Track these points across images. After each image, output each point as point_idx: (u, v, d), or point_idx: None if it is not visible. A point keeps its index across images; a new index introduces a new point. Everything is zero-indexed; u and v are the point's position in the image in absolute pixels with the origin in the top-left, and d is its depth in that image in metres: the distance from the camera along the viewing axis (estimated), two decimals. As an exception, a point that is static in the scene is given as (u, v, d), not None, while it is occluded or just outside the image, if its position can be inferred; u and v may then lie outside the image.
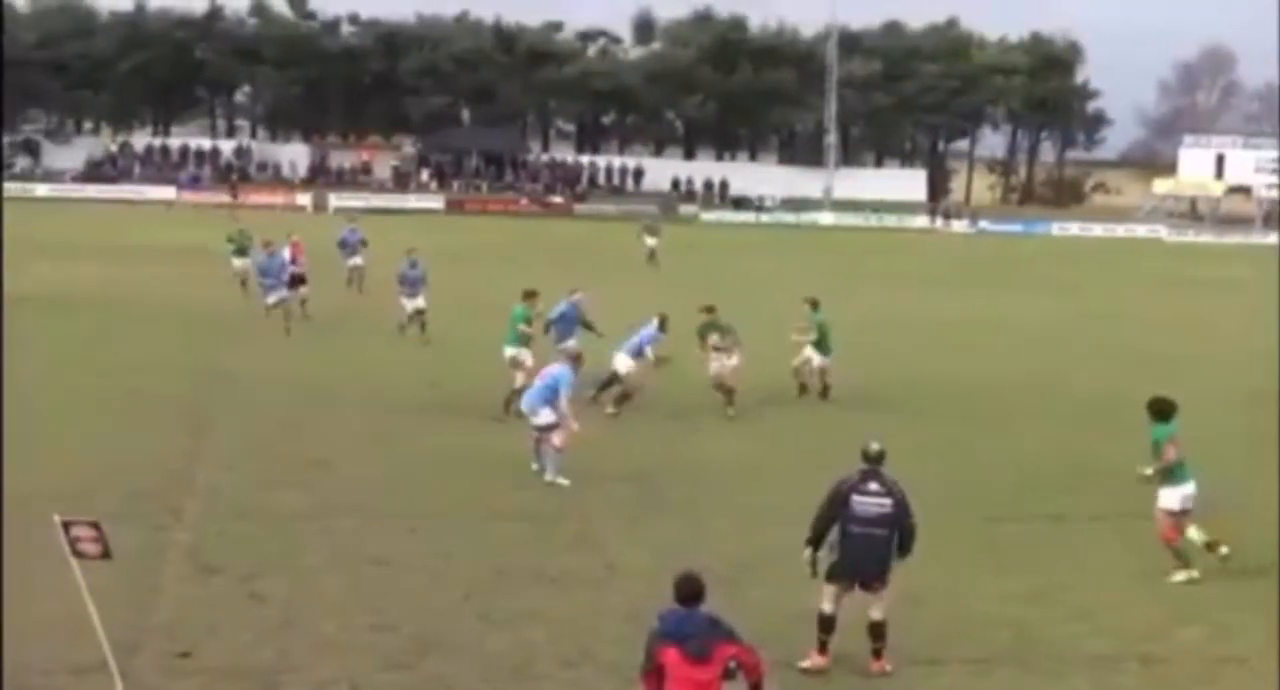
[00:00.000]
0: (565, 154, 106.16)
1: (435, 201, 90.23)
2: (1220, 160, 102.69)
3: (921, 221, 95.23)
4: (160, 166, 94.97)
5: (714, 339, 24.17)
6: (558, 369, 19.18)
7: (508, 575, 14.74)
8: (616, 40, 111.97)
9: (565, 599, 14.11)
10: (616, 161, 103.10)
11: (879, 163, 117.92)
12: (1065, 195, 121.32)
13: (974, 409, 25.68)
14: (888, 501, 12.21)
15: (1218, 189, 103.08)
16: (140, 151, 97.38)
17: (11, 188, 72.45)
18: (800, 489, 14.64)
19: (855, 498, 12.17)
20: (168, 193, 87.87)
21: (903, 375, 28.99)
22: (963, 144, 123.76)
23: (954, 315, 40.54)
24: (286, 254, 34.86)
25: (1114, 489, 16.59)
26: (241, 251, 38.70)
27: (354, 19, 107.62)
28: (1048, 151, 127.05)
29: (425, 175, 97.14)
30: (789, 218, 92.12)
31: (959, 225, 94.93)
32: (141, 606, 13.25)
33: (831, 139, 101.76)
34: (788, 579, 13.23)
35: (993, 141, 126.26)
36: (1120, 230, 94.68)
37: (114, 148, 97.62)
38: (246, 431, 21.52)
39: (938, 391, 27.39)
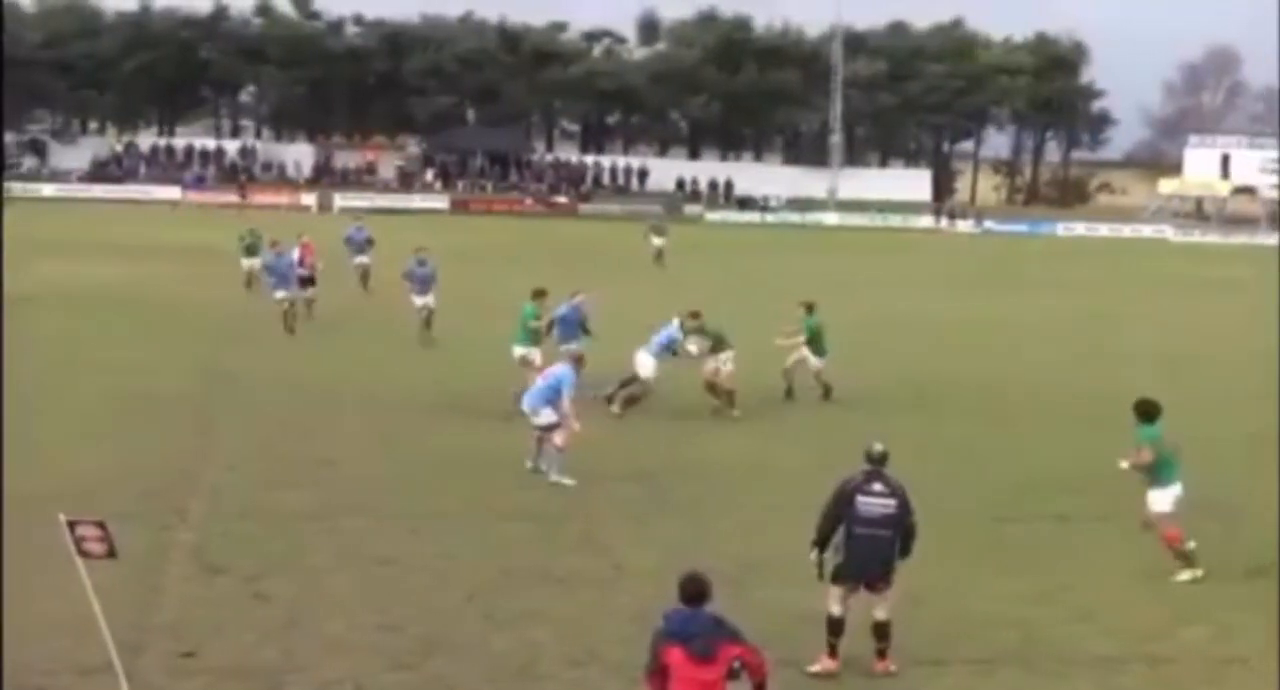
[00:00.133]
0: (570, 154, 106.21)
1: (440, 201, 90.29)
2: (1225, 160, 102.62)
3: (926, 222, 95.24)
4: (165, 166, 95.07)
5: (690, 346, 24.08)
6: (560, 369, 19.27)
7: (513, 575, 14.75)
8: (621, 40, 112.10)
9: (570, 599, 14.11)
10: (621, 161, 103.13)
11: (884, 163, 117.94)
12: (1070, 195, 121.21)
13: (979, 409, 25.66)
14: (892, 502, 12.20)
15: (1223, 189, 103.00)
16: (145, 151, 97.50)
17: (17, 187, 72.51)
18: (805, 489, 14.65)
19: (860, 498, 12.17)
20: (173, 193, 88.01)
21: (907, 375, 28.97)
22: (968, 144, 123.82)
23: (959, 315, 40.52)
24: (295, 254, 34.82)
25: (1119, 489, 16.56)
26: (252, 251, 38.75)
27: (359, 19, 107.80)
28: (1053, 152, 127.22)
29: (430, 175, 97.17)
30: (794, 218, 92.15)
31: (964, 225, 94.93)
32: (146, 606, 13.27)
33: (836, 139, 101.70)
34: (793, 579, 13.23)
35: (997, 142, 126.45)
36: (1126, 230, 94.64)
37: (119, 148, 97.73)
38: (251, 431, 21.54)
39: (942, 391, 27.38)
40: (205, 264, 45.72)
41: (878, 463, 12.35)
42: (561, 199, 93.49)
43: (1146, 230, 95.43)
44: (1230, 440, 23.01)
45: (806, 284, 39.00)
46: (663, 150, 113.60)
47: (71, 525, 10.97)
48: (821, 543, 12.29)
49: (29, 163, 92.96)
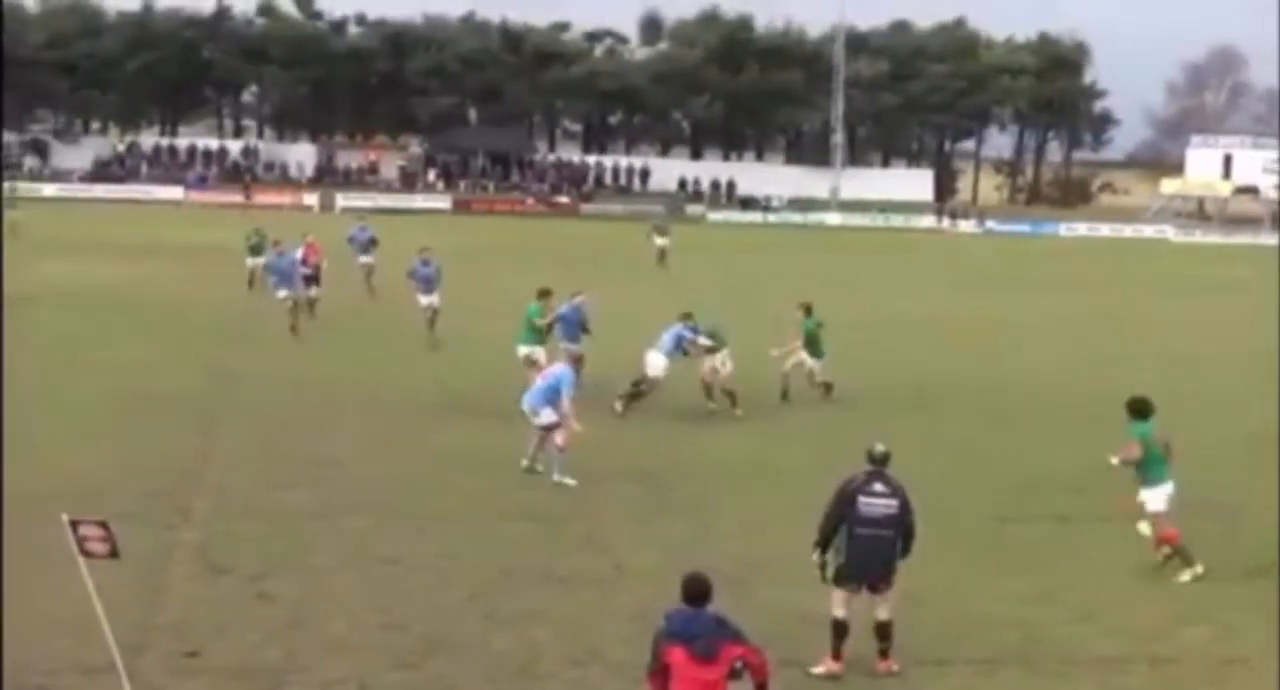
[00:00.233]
0: (572, 154, 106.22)
1: (442, 201, 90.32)
2: (1228, 160, 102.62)
3: (928, 222, 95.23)
4: (168, 166, 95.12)
5: (701, 340, 24.04)
6: (559, 369, 19.33)
7: (515, 575, 14.76)
8: (623, 40, 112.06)
9: (572, 599, 14.13)
10: (623, 161, 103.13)
11: (886, 163, 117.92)
12: (1072, 195, 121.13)
13: (980, 409, 25.67)
14: (894, 502, 12.21)
15: (1225, 189, 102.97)
16: (148, 151, 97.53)
17: (19, 187, 72.50)
18: (807, 489, 14.66)
19: (862, 499, 12.17)
20: (175, 193, 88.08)
21: (909, 375, 28.98)
22: (969, 144, 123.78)
23: (960, 315, 40.53)
24: (298, 254, 34.79)
25: (1121, 490, 16.55)
26: (257, 250, 38.73)
27: (361, 19, 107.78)
28: (1055, 152, 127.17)
29: (432, 175, 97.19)
30: (796, 218, 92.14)
31: (966, 225, 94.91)
32: (149, 606, 13.28)
33: (838, 139, 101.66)
34: (795, 579, 13.24)
35: (1000, 142, 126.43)
36: (1127, 231, 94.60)
37: (121, 148, 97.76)
38: (254, 431, 21.56)
39: (944, 391, 27.39)
40: (208, 264, 45.75)
41: (879, 463, 12.35)
42: (563, 199, 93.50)
43: (1148, 230, 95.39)
44: (1230, 440, 23.04)
45: (808, 284, 39.01)
46: (665, 150, 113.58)
47: (74, 525, 10.98)
48: (823, 543, 12.30)
49: (31, 163, 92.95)
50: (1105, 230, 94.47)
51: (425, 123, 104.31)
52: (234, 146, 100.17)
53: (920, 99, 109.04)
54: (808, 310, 25.73)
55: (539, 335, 24.41)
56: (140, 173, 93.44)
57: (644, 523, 17.15)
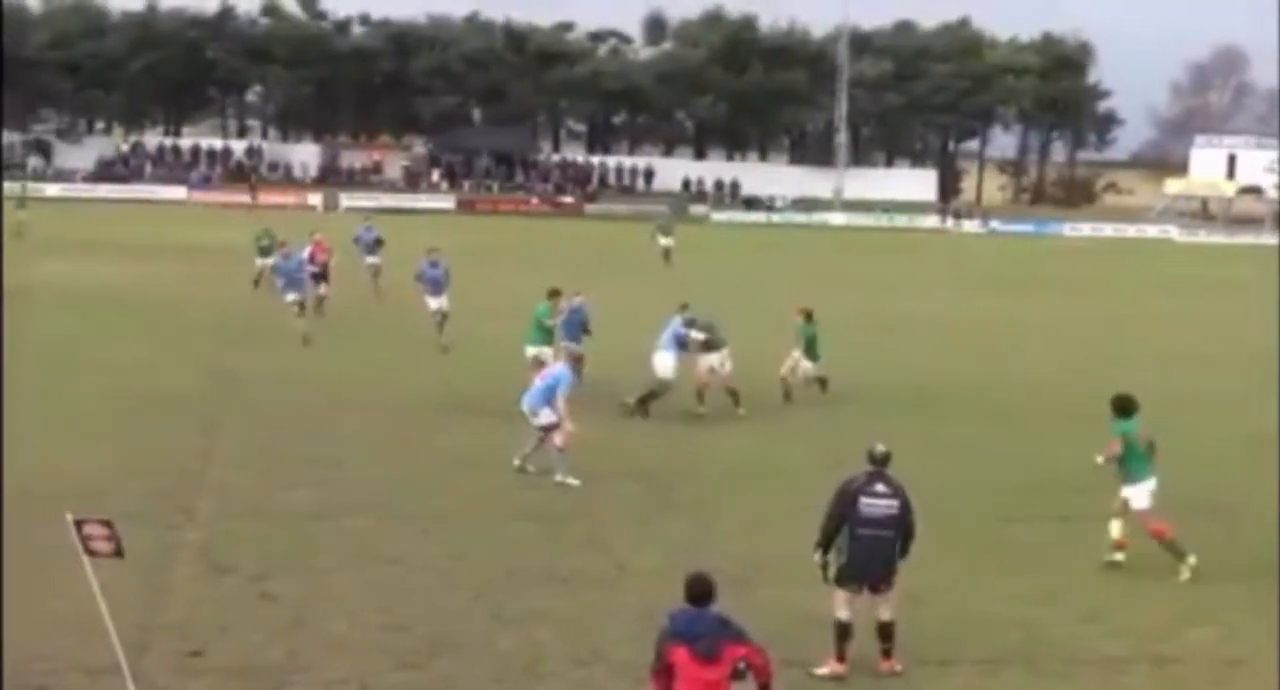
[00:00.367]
0: (576, 154, 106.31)
1: (446, 201, 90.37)
2: (1232, 160, 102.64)
3: (932, 222, 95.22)
4: (171, 166, 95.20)
5: (695, 334, 23.92)
6: (558, 369, 19.39)
7: (518, 575, 14.77)
8: (627, 40, 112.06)
9: (575, 599, 14.13)
10: (627, 161, 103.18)
11: (890, 163, 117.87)
12: (1076, 195, 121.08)
13: (984, 409, 25.67)
14: (895, 502, 12.21)
15: (1229, 189, 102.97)
16: (152, 151, 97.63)
17: (14, 187, 72.51)
18: (809, 489, 14.65)
19: (863, 499, 12.17)
20: (179, 193, 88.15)
21: (912, 375, 28.98)
22: (973, 144, 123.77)
23: (964, 315, 40.52)
24: (305, 254, 34.66)
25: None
26: (266, 252, 38.49)
27: (365, 19, 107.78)
28: (1059, 152, 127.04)
29: (436, 175, 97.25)
30: (800, 218, 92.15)
31: (970, 225, 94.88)
32: (153, 605, 13.29)
33: (842, 139, 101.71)
34: (797, 579, 13.24)
35: (1004, 141, 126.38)
36: (1131, 231, 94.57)
37: (125, 148, 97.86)
38: (258, 431, 21.57)
39: (948, 391, 27.38)
40: (212, 264, 45.80)
41: (880, 463, 12.35)
42: (567, 199, 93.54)
43: (1152, 230, 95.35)
44: (1231, 440, 23.07)
45: (812, 284, 39.03)
46: (668, 150, 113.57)
47: (78, 524, 10.99)
48: (825, 544, 12.30)
49: (34, 163, 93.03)
50: (1109, 230, 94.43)
51: (429, 123, 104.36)
52: (238, 147, 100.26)
53: (924, 99, 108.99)
54: (808, 316, 25.71)
55: (548, 336, 24.37)
56: (144, 173, 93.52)
57: (646, 522, 17.16)
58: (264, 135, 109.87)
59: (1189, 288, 53.90)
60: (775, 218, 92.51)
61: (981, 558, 15.97)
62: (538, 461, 19.05)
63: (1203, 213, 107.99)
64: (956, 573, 15.12)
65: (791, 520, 15.23)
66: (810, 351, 25.55)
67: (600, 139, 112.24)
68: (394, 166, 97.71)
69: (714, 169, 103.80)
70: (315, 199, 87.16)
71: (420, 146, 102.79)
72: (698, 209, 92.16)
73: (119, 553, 11.00)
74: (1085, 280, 55.51)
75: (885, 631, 12.36)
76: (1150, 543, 15.63)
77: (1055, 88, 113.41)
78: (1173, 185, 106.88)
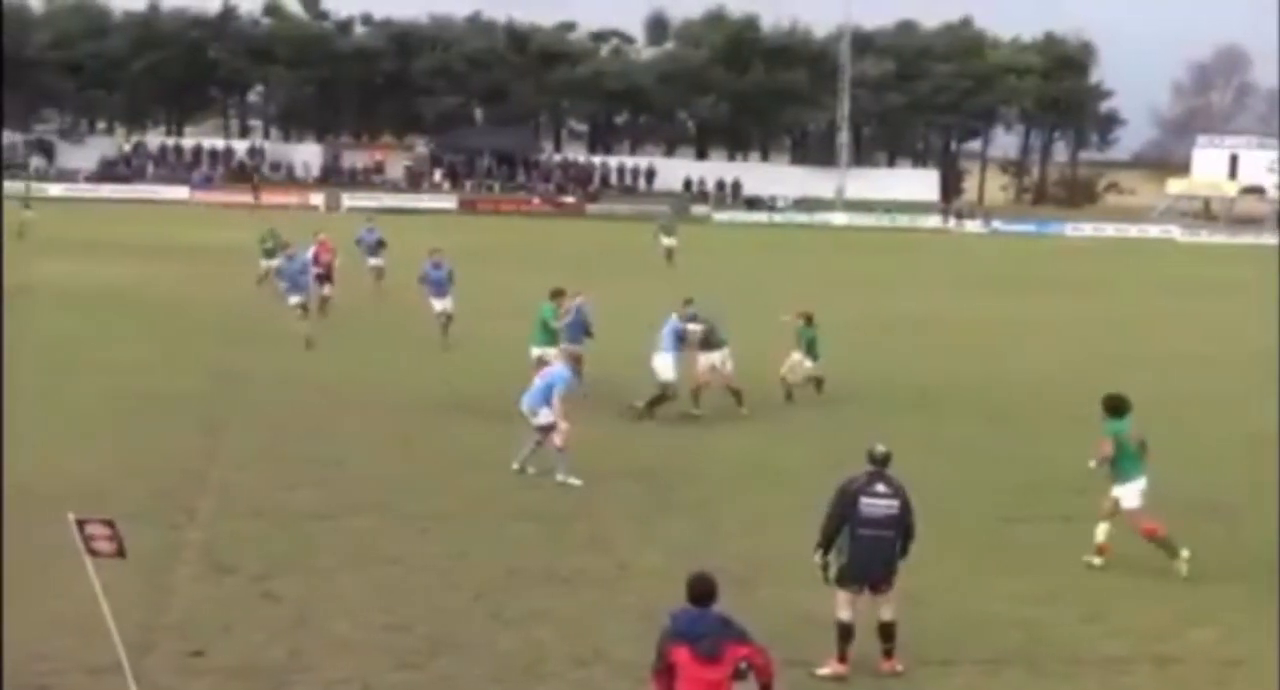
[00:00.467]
0: (577, 154, 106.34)
1: (448, 201, 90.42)
2: (1234, 160, 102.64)
3: (934, 222, 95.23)
4: (173, 166, 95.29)
5: (692, 326, 23.80)
6: (557, 369, 19.40)
7: (519, 575, 14.78)
8: (629, 40, 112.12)
9: (577, 598, 14.14)
10: (629, 162, 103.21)
11: (891, 163, 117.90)
12: (1078, 196, 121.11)
13: (986, 409, 25.67)
14: (895, 502, 12.22)
15: (1231, 189, 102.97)
16: (154, 151, 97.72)
17: (18, 187, 72.58)
18: (812, 489, 14.66)
19: (864, 500, 12.18)
20: (181, 193, 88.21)
21: (913, 375, 28.98)
22: (975, 144, 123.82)
23: (966, 315, 40.52)
24: (309, 255, 34.52)
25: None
26: (270, 253, 38.26)
27: (367, 19, 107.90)
28: (1061, 152, 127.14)
29: (438, 175, 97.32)
30: (801, 218, 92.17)
31: (972, 225, 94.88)
32: (155, 605, 13.30)
33: (844, 139, 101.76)
34: (799, 579, 13.25)
35: (1006, 141, 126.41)
36: (1133, 231, 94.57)
37: (127, 148, 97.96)
38: (260, 431, 21.58)
39: (950, 391, 27.38)
40: (214, 264, 45.82)
41: (880, 463, 12.36)
42: (569, 199, 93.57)
43: (1154, 230, 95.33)
44: (1231, 440, 23.08)
45: (814, 284, 39.01)
46: (670, 150, 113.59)
47: (81, 524, 11.00)
48: (826, 544, 12.31)
49: (37, 163, 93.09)
50: (1111, 230, 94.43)
51: (431, 123, 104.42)
52: (240, 147, 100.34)
53: (926, 99, 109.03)
54: (808, 319, 25.71)
55: (553, 337, 24.27)
56: (146, 173, 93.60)
57: (648, 522, 17.16)
58: (266, 135, 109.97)
59: (1191, 288, 53.89)
60: (777, 218, 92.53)
61: (982, 558, 15.98)
62: (538, 462, 19.06)
63: (1205, 213, 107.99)
64: (957, 573, 15.12)
65: (793, 520, 15.23)
66: (810, 353, 25.57)
67: (602, 139, 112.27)
68: (396, 166, 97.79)
69: (716, 169, 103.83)
70: (317, 199, 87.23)
71: (422, 146, 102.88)
72: (699, 209, 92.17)
73: (121, 553, 11.01)
74: (1087, 280, 55.50)
75: (886, 632, 12.36)
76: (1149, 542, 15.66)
77: (1057, 88, 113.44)
78: (1175, 185, 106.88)
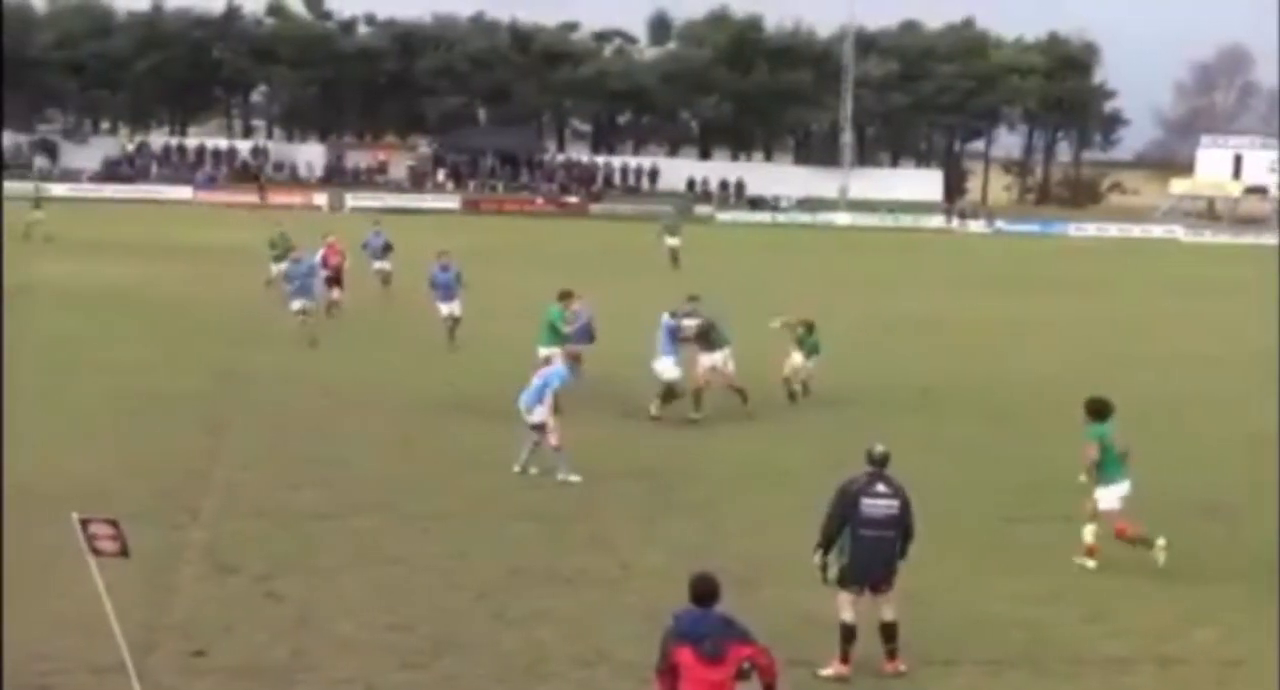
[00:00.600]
0: (581, 154, 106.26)
1: (451, 201, 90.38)
2: (1238, 160, 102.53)
3: (938, 222, 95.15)
4: (177, 166, 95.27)
5: (687, 321, 23.74)
6: (554, 367, 19.46)
7: (522, 575, 14.79)
8: (632, 40, 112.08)
9: (579, 599, 14.15)
10: (632, 162, 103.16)
11: (895, 163, 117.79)
12: (1082, 196, 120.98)
13: (989, 409, 25.66)
14: (895, 503, 12.24)
15: (1235, 189, 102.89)
16: (157, 151, 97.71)
17: (27, 187, 72.63)
18: (814, 489, 14.64)
19: (865, 501, 12.19)
20: (184, 193, 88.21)
21: (917, 375, 28.96)
22: (979, 144, 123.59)
23: (969, 315, 40.50)
24: (317, 258, 34.37)
25: (1131, 489, 16.57)
26: (279, 258, 37.79)
27: (370, 19, 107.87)
28: (1064, 152, 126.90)
29: (441, 175, 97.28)
30: (804, 218, 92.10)
31: (975, 225, 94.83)
32: (158, 605, 13.32)
33: (847, 139, 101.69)
34: (802, 579, 13.24)
35: (1009, 142, 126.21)
36: (1137, 231, 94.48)
37: (131, 148, 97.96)
38: (263, 431, 21.60)
39: (953, 392, 27.37)
40: (218, 264, 45.82)
41: (879, 464, 12.37)
42: (572, 199, 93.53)
43: (1157, 230, 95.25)
44: (1232, 440, 23.07)
45: (817, 284, 38.98)
46: (673, 150, 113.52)
47: (84, 523, 11.02)
48: (826, 545, 12.32)
49: (40, 163, 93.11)
50: (1114, 230, 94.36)
51: (434, 123, 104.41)
52: (243, 147, 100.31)
53: (929, 99, 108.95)
54: (810, 327, 25.69)
55: (560, 338, 24.21)
56: (149, 173, 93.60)
57: (650, 522, 17.17)
58: (269, 135, 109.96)
59: (1194, 288, 53.85)
60: (780, 218, 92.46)
61: (984, 558, 15.98)
62: (540, 462, 19.08)
63: (1208, 213, 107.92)
64: (959, 573, 15.13)
65: (795, 520, 15.22)
66: (810, 355, 25.57)
67: (605, 139, 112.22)
68: (399, 166, 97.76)
69: (719, 169, 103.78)
70: (320, 199, 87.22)
71: (425, 146, 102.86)
72: (703, 209, 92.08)
73: (124, 552, 11.03)
74: (1090, 280, 55.47)
75: (888, 632, 12.37)
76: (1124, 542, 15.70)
77: (1060, 88, 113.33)
78: (1178, 185, 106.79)
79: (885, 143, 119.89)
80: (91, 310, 34.60)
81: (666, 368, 23.60)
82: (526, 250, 58.39)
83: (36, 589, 13.26)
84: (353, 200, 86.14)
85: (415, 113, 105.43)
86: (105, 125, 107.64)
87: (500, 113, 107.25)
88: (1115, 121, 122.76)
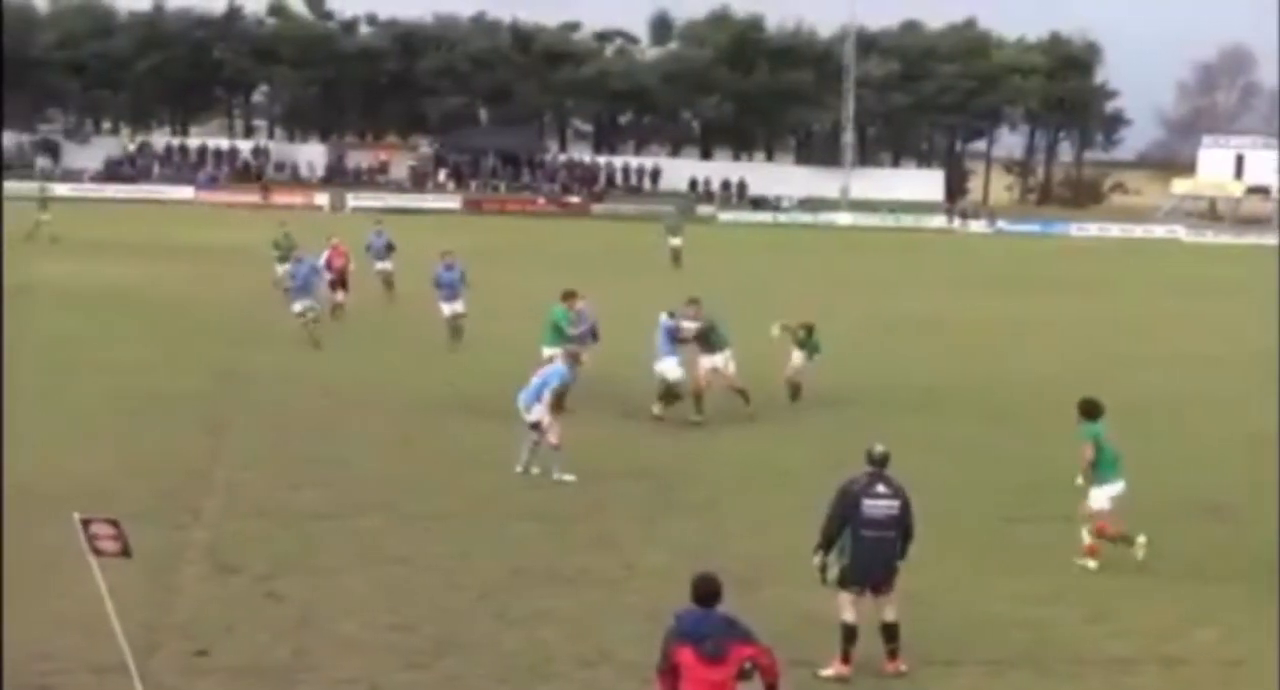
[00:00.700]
0: (582, 154, 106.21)
1: (452, 202, 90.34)
2: (1240, 160, 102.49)
3: (939, 222, 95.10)
4: (179, 166, 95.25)
5: (685, 323, 23.70)
6: (554, 366, 19.46)
7: (525, 575, 14.79)
8: (633, 40, 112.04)
9: (582, 598, 14.15)
10: (633, 162, 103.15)
11: (896, 163, 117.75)
12: (1083, 196, 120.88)
13: (990, 409, 25.65)
14: (895, 503, 12.24)
15: (1237, 189, 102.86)
16: (159, 151, 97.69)
17: (28, 187, 72.60)
18: (816, 490, 14.63)
19: (865, 501, 12.18)
20: (186, 193, 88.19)
21: (919, 375, 28.97)
22: (980, 144, 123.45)
23: (970, 315, 40.49)
24: (321, 260, 34.30)
25: (1128, 489, 16.56)
26: (283, 258, 37.69)
27: (371, 19, 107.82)
28: (1066, 152, 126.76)
29: (442, 175, 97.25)
30: (806, 218, 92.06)
31: (977, 225, 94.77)
32: (160, 605, 13.33)
33: (849, 139, 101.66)
34: (803, 579, 13.23)
35: (1010, 142, 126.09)
36: (1138, 231, 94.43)
37: (132, 148, 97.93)
38: (265, 431, 21.60)
39: (954, 392, 27.37)
40: (219, 264, 45.84)
41: (879, 464, 12.37)
42: (574, 199, 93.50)
43: (1159, 231, 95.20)
44: (1232, 440, 23.07)
45: (818, 284, 38.95)
46: (675, 150, 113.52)
47: (86, 523, 11.03)
48: (826, 545, 12.31)
49: (42, 163, 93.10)
50: (1116, 230, 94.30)
51: (436, 123, 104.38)
52: (245, 147, 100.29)
53: (931, 99, 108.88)
54: (810, 330, 25.68)
55: (564, 338, 24.19)
56: (151, 173, 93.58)
57: (652, 522, 17.17)
58: (270, 135, 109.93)
59: (1195, 288, 53.84)
60: (782, 218, 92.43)
61: (985, 558, 15.98)
62: (541, 462, 19.08)
63: (1210, 213, 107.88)
64: (960, 573, 15.13)
65: (798, 520, 15.21)
66: (811, 356, 25.58)
67: (606, 139, 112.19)
68: (400, 166, 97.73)
69: (720, 169, 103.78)
70: (322, 199, 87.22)
71: (426, 146, 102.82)
72: (704, 209, 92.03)
73: (126, 552, 11.03)
74: (1092, 280, 55.47)
75: (889, 632, 12.37)
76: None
77: (1062, 88, 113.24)
78: (1180, 185, 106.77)
79: (886, 143, 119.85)
80: (92, 310, 34.60)
81: (670, 368, 23.57)
82: (528, 250, 58.38)
83: (37, 589, 13.27)
84: (354, 200, 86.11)
85: (417, 113, 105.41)
86: (107, 125, 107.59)
87: (502, 113, 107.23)
88: (1117, 121, 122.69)
